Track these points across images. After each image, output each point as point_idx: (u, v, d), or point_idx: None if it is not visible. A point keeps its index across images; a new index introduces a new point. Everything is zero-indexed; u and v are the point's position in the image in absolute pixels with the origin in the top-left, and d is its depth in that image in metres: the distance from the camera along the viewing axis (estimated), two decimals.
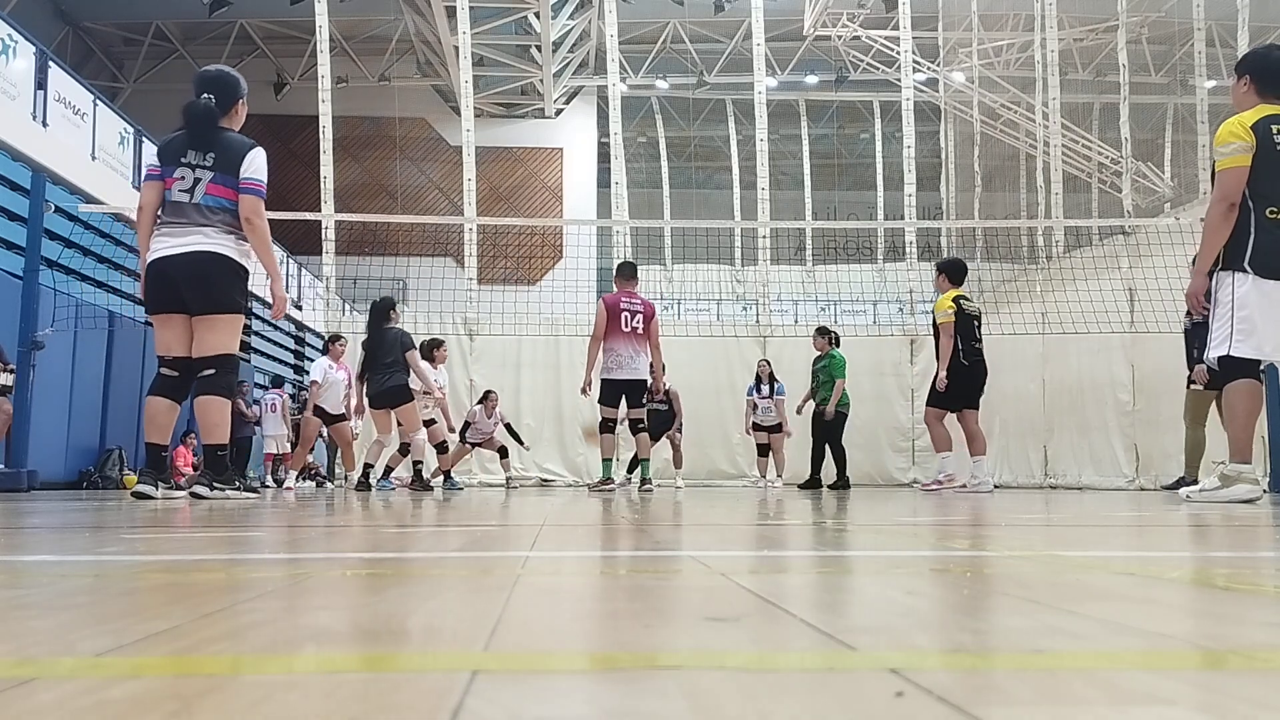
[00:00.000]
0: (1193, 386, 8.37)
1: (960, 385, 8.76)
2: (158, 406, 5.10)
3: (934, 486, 8.64)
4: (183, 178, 5.02)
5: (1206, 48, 15.32)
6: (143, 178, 5.24)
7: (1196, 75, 15.35)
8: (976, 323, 8.94)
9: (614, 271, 9.27)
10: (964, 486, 8.77)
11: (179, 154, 5.07)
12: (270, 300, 5.59)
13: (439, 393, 10.51)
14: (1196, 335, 8.23)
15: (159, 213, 5.06)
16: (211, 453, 5.14)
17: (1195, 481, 7.92)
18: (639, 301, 8.79)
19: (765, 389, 12.58)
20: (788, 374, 12.86)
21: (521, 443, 12.64)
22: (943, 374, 8.74)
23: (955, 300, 8.77)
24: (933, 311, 8.97)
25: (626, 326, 8.68)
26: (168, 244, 4.97)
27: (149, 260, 5.01)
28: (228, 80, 5.31)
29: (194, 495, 5.10)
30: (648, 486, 8.67)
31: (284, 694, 0.76)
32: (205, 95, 5.15)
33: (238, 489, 5.31)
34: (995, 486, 13.49)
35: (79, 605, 1.29)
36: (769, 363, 12.92)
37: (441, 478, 10.85)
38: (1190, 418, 8.41)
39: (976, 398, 8.92)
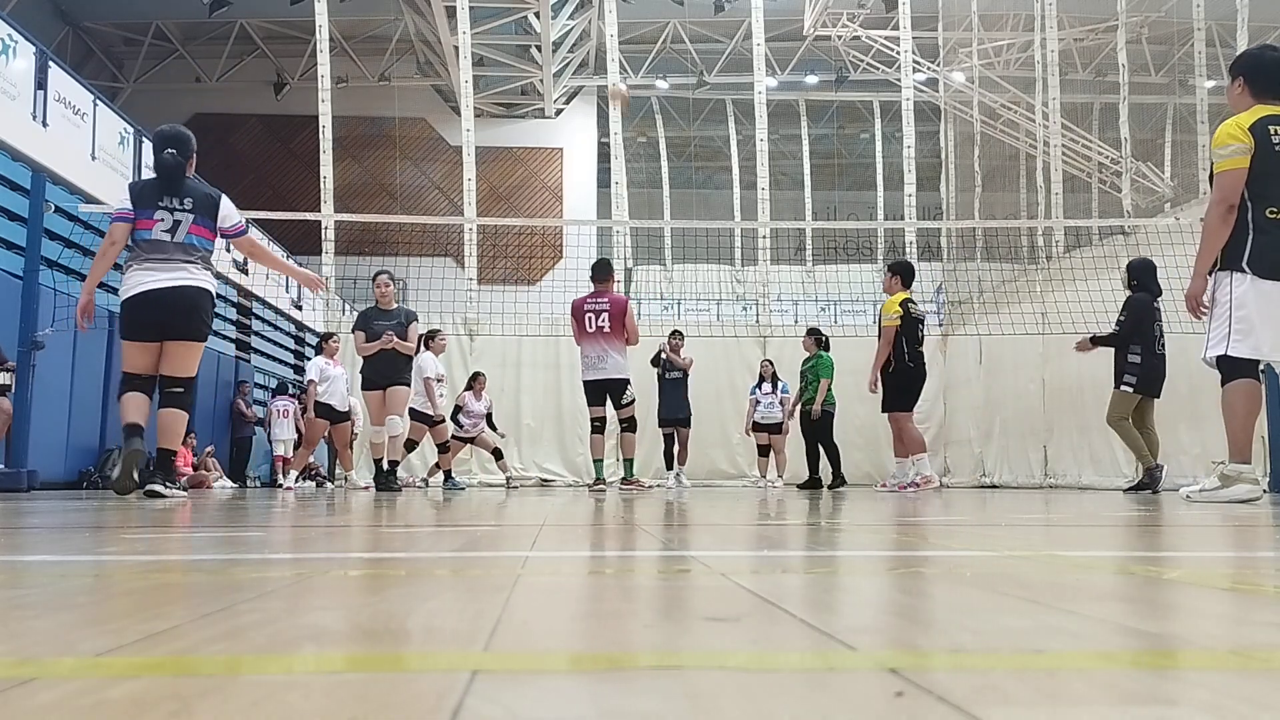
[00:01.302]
0: (1122, 388, 8.41)
1: (910, 385, 8.86)
2: (137, 400, 5.66)
3: (912, 489, 8.63)
4: (162, 219, 5.65)
5: (1206, 48, 15.31)
6: (114, 218, 5.78)
7: (1196, 75, 15.34)
8: (921, 325, 9.06)
9: None
10: (884, 486, 8.89)
11: (155, 199, 5.69)
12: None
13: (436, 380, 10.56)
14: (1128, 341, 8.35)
15: (134, 249, 5.67)
16: (166, 456, 5.78)
17: (1158, 466, 8.02)
18: (605, 300, 8.71)
19: (768, 387, 12.64)
20: (788, 374, 12.90)
21: (494, 428, 12.60)
22: (875, 375, 8.78)
23: (903, 304, 8.84)
24: (880, 312, 8.98)
25: (591, 327, 8.68)
26: (153, 278, 5.59)
27: (137, 291, 5.60)
28: (185, 137, 6.00)
29: (150, 494, 5.56)
30: (630, 486, 8.67)
31: (284, 694, 0.76)
32: (169, 151, 5.81)
33: (181, 489, 6.10)
34: (993, 485, 13.57)
35: (79, 605, 1.29)
36: (772, 362, 12.96)
37: (441, 477, 10.86)
38: (1115, 416, 8.44)
39: (917, 400, 9.08)
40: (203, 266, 5.75)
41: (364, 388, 9.29)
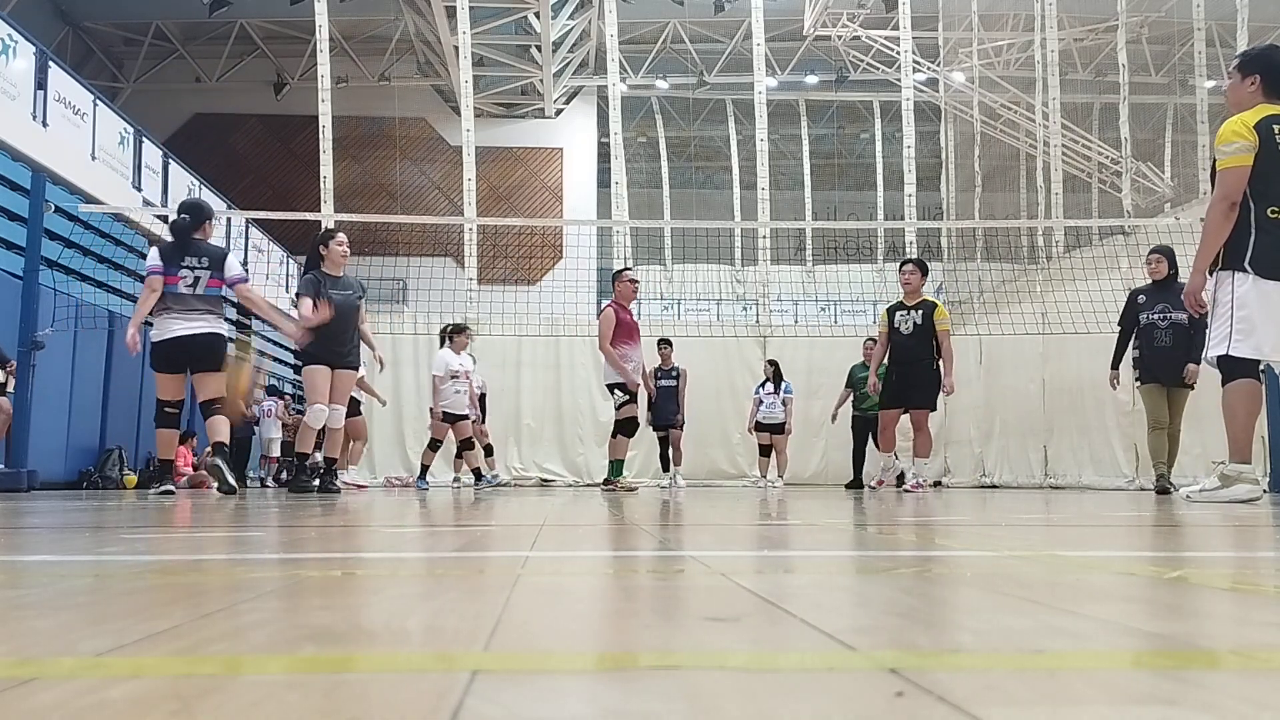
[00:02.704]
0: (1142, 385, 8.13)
1: (938, 385, 8.87)
2: (169, 436, 7.10)
3: (914, 488, 8.63)
4: (185, 276, 6.84)
5: (1206, 48, 15.30)
6: (150, 272, 6.94)
7: (1196, 75, 15.34)
8: None
9: None
10: (880, 484, 8.92)
11: (179, 258, 6.87)
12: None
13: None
14: (1152, 334, 8.00)
15: (163, 300, 6.81)
16: (221, 446, 7.05)
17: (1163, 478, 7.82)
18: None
19: (771, 387, 12.71)
20: (788, 374, 12.92)
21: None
22: (951, 381, 8.72)
23: None
24: (931, 318, 8.75)
25: None
26: (181, 325, 6.79)
27: (168, 336, 6.80)
28: (198, 206, 7.39)
29: (213, 467, 6.97)
30: (610, 487, 8.72)
31: (284, 694, 0.76)
32: (182, 216, 7.11)
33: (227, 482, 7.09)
34: (993, 485, 13.57)
35: (79, 605, 1.29)
36: (776, 363, 13.00)
37: (473, 475, 10.85)
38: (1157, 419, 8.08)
39: None
40: (219, 315, 7.03)
41: (308, 362, 7.77)
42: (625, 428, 8.87)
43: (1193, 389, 7.84)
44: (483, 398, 12.52)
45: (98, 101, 13.05)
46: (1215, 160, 5.11)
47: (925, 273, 9.04)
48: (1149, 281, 8.09)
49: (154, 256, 6.96)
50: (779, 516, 4.19)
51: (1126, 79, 15.90)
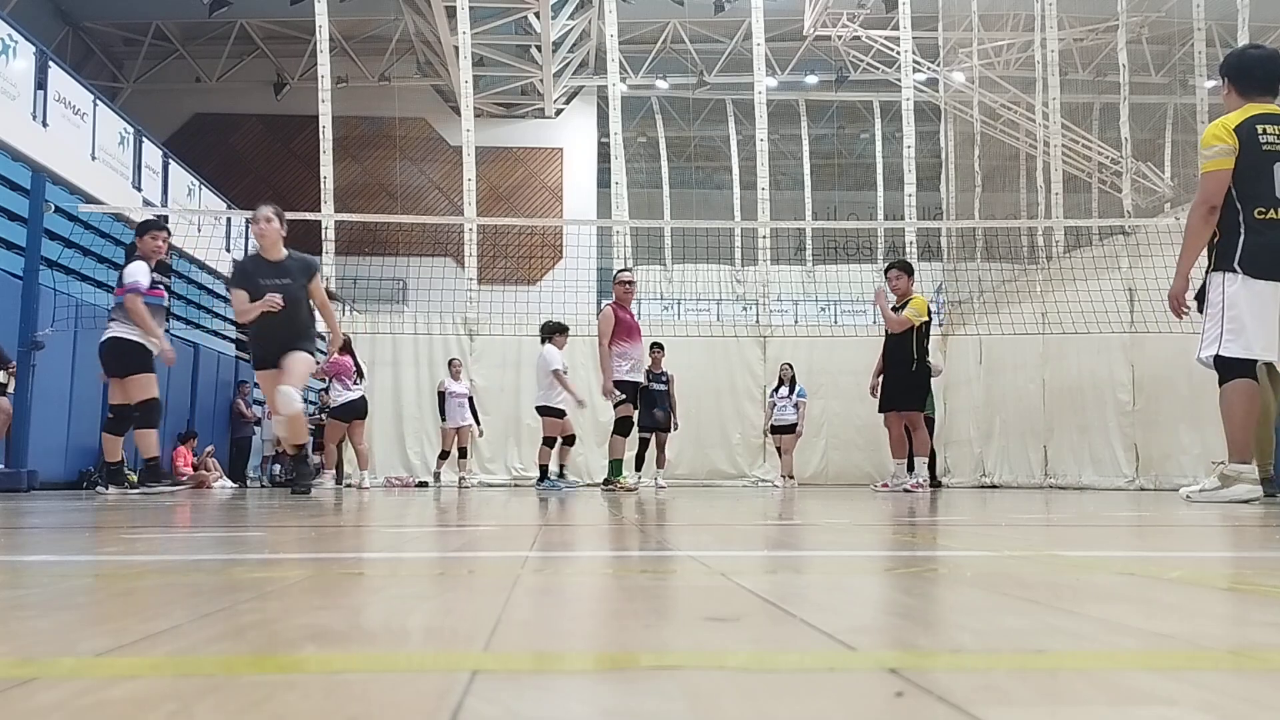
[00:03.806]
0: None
1: (927, 384, 8.88)
2: (115, 441, 7.57)
3: (914, 487, 8.63)
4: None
5: (1206, 48, 15.30)
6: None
7: (1196, 75, 15.34)
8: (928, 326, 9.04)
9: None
10: (884, 486, 9.00)
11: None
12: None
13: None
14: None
15: None
16: (150, 464, 7.49)
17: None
18: None
19: (785, 390, 12.78)
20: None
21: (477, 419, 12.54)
22: (890, 315, 8.57)
23: (927, 307, 8.89)
24: (902, 309, 8.70)
25: None
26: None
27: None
28: (138, 224, 7.93)
29: (143, 493, 7.09)
30: (611, 488, 8.73)
31: (284, 694, 0.76)
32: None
33: (168, 487, 7.69)
34: (993, 485, 13.58)
35: (79, 605, 1.29)
36: (791, 366, 13.02)
37: (538, 474, 10.53)
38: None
39: None
40: (121, 321, 7.37)
41: (256, 367, 7.08)
42: (620, 427, 8.88)
43: None
44: (471, 400, 12.53)
45: (98, 101, 13.04)
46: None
47: (910, 274, 8.95)
48: None
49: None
50: (777, 517, 4.19)
51: (1126, 79, 15.89)
